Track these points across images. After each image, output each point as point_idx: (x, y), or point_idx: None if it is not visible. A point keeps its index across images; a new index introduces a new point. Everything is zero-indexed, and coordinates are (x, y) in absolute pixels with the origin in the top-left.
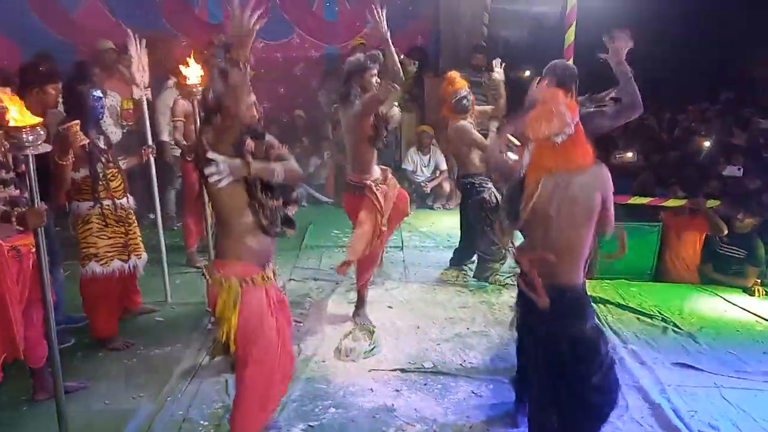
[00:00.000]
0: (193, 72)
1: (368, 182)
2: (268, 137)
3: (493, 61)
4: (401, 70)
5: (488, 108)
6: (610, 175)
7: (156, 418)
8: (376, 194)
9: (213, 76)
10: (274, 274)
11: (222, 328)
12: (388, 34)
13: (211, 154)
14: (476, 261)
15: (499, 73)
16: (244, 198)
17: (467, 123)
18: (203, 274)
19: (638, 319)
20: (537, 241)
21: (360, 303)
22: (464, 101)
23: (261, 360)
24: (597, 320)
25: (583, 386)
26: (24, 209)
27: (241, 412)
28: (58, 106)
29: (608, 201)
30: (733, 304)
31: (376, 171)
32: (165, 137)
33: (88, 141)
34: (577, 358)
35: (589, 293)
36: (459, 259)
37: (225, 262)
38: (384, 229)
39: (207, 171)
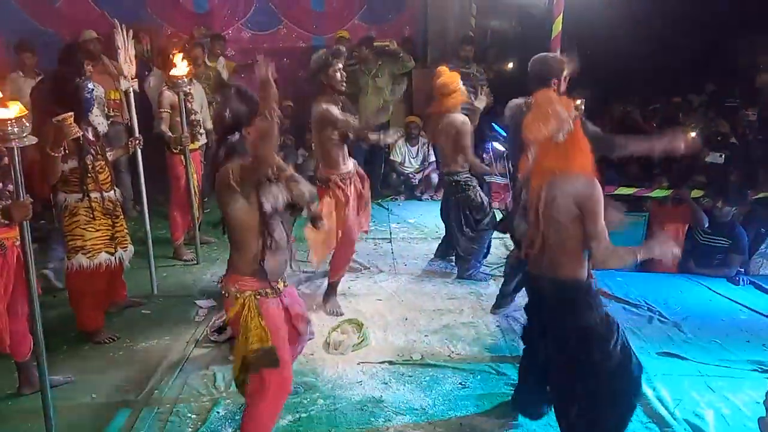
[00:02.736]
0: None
1: (332, 176)
2: (278, 161)
3: (481, 89)
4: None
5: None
6: (593, 189)
7: (143, 412)
8: (341, 188)
9: (228, 95)
10: (284, 283)
11: (244, 343)
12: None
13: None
14: (456, 261)
15: (481, 101)
16: (257, 218)
17: (466, 121)
18: (221, 289)
19: (624, 308)
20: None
21: (331, 291)
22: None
23: (279, 374)
24: (603, 311)
25: (596, 376)
26: (7, 202)
27: (256, 419)
28: (35, 76)
29: (588, 214)
30: (718, 293)
31: (347, 165)
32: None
33: (81, 134)
34: (589, 348)
35: None
36: (445, 250)
37: (239, 278)
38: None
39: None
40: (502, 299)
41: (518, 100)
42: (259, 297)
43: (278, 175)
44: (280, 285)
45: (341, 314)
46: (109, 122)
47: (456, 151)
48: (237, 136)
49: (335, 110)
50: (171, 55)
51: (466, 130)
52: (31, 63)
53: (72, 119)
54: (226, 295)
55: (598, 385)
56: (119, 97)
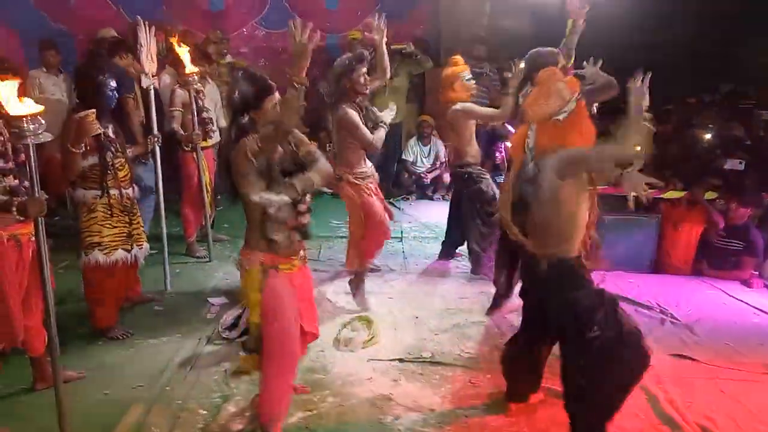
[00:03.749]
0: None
1: (347, 175)
2: (299, 134)
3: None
4: (389, 73)
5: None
6: (566, 150)
7: (154, 408)
8: (357, 185)
9: (238, 78)
10: (304, 260)
11: (252, 316)
12: (384, 40)
13: (263, 197)
14: (470, 255)
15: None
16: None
17: (468, 103)
18: (236, 263)
19: (636, 310)
20: (527, 216)
21: (359, 279)
22: (468, 79)
23: (282, 342)
24: (593, 287)
25: (587, 350)
26: (24, 198)
27: (268, 390)
28: (57, 74)
29: (576, 166)
30: (731, 295)
31: (365, 165)
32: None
33: (102, 131)
34: (574, 323)
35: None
36: (447, 252)
37: (251, 252)
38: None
39: (261, 203)
40: (496, 299)
41: None
42: (267, 272)
43: (297, 148)
44: (295, 263)
45: (367, 309)
46: None
47: (467, 141)
48: (246, 118)
49: (356, 117)
50: (176, 47)
51: (471, 105)
52: (55, 61)
53: (94, 116)
54: (239, 267)
55: (591, 358)
56: (133, 95)
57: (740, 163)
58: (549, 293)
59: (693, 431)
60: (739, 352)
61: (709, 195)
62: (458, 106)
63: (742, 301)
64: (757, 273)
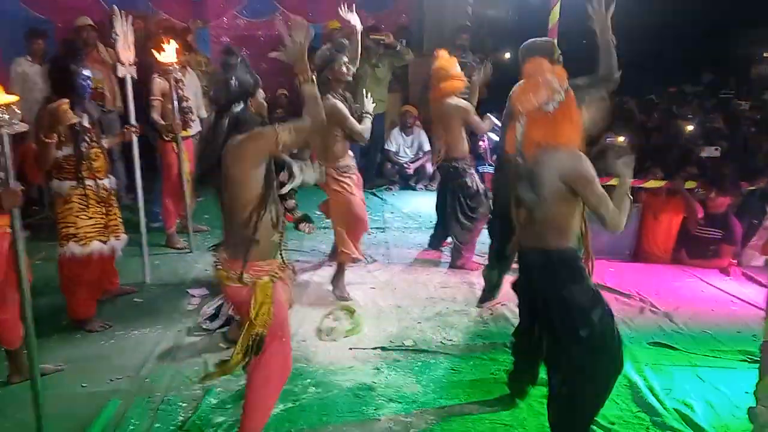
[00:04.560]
0: (170, 52)
1: (330, 171)
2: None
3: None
4: (356, 63)
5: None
6: (580, 162)
7: (134, 401)
8: (340, 181)
9: (235, 64)
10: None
11: (253, 328)
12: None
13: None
14: (451, 248)
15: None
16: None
17: (467, 102)
18: (218, 277)
19: (616, 299)
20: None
21: (341, 272)
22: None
23: (282, 350)
24: (590, 283)
25: (575, 347)
26: None
27: (258, 405)
28: (42, 63)
29: (582, 189)
30: (710, 284)
31: (347, 158)
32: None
33: (77, 120)
34: (567, 319)
35: None
36: (438, 241)
37: (250, 264)
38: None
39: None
40: (487, 293)
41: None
42: (274, 282)
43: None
44: (286, 269)
45: (348, 299)
46: (104, 110)
47: (458, 135)
48: (241, 106)
49: (344, 108)
50: (161, 41)
51: (471, 108)
52: (41, 49)
53: (67, 106)
54: (231, 282)
55: (578, 356)
56: (102, 86)
57: (716, 149)
58: (544, 285)
59: (672, 418)
60: (718, 339)
61: (689, 184)
62: (461, 103)
63: (720, 289)
64: (735, 262)
